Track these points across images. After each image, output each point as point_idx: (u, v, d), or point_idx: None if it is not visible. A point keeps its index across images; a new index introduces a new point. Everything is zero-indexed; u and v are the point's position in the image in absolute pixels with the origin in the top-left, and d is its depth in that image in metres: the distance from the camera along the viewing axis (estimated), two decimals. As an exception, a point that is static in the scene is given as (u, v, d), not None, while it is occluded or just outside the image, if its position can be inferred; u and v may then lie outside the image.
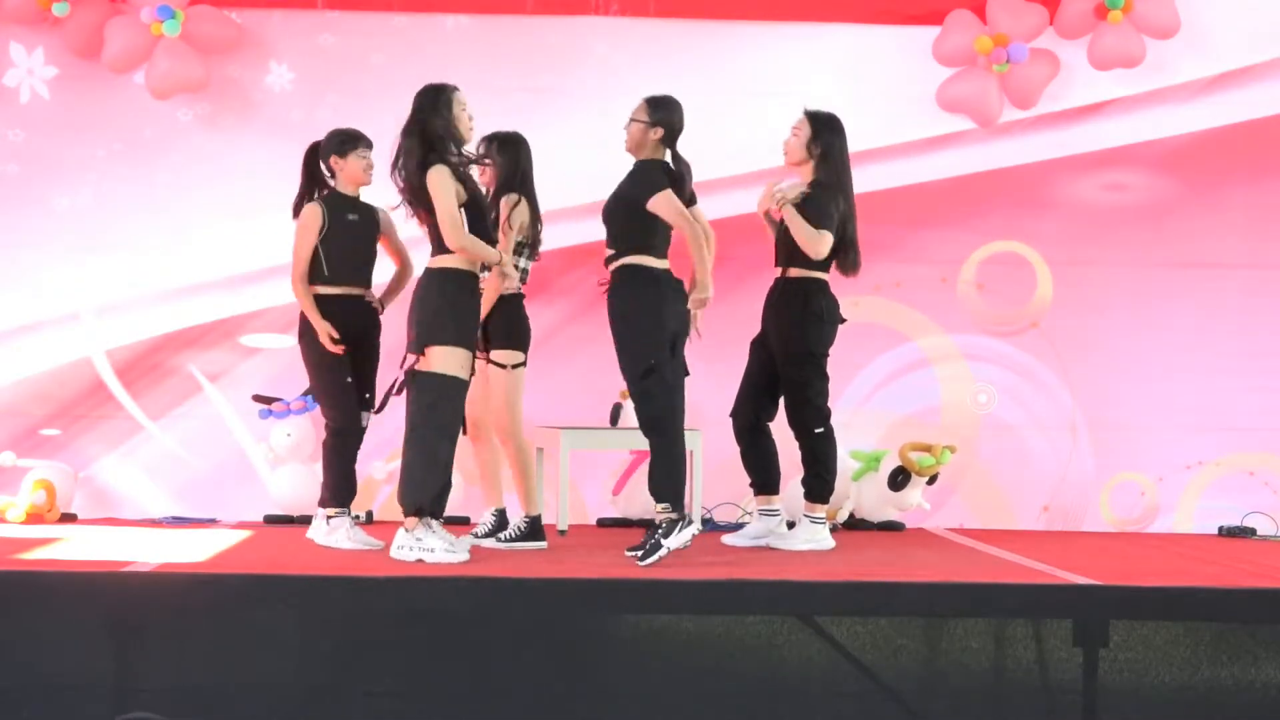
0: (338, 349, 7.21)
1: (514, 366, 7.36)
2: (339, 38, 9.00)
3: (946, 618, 6.00)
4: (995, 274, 9.11)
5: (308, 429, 8.61)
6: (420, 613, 5.96)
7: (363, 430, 7.34)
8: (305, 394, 8.41)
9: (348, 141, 7.34)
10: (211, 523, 8.51)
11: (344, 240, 7.31)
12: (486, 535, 7.46)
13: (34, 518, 8.32)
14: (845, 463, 8.60)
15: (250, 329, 8.95)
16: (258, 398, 8.55)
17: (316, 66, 8.94)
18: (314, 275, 7.28)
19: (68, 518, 8.53)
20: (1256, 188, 9.10)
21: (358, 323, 7.34)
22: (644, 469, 8.74)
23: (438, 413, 6.62)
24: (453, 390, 6.66)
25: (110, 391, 8.91)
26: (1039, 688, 5.98)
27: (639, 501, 8.75)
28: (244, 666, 5.94)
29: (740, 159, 8.89)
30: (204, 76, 8.79)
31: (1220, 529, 8.84)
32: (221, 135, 8.98)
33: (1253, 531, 8.77)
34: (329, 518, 7.24)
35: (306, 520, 8.10)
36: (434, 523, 6.64)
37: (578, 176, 8.20)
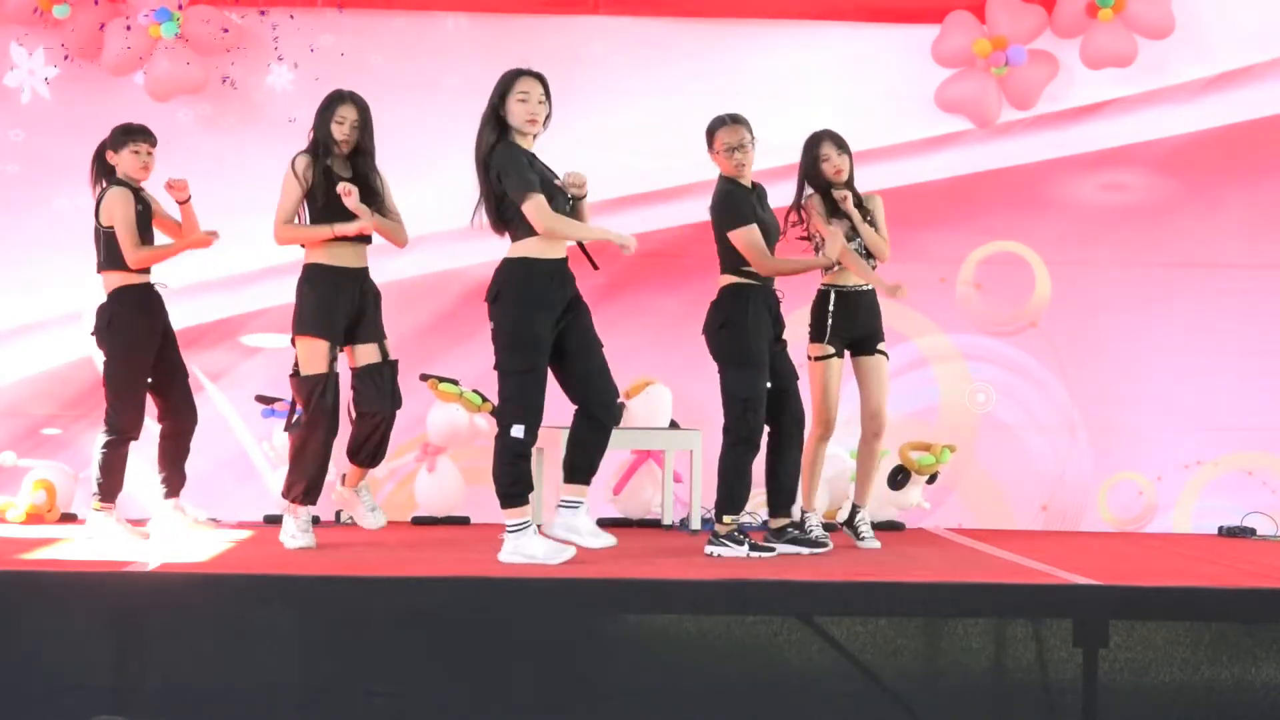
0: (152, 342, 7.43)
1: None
2: (339, 38, 9.00)
3: (946, 618, 6.00)
4: (994, 274, 9.12)
5: (309, 429, 8.61)
6: (420, 612, 5.95)
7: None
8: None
9: (122, 135, 7.50)
10: (212, 523, 8.49)
11: (141, 229, 7.50)
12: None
13: (34, 518, 8.33)
14: (845, 462, 8.60)
15: (250, 329, 8.95)
16: (261, 398, 8.54)
17: (316, 66, 8.93)
18: (115, 263, 7.46)
19: (68, 518, 8.53)
20: (1255, 188, 9.10)
21: (163, 312, 7.58)
22: (645, 469, 8.79)
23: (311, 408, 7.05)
24: (309, 386, 7.03)
25: (111, 391, 8.90)
26: (1039, 688, 5.98)
27: (639, 501, 8.77)
28: (244, 666, 5.93)
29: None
30: (203, 78, 8.79)
31: (1220, 529, 8.84)
32: (222, 135, 8.98)
33: (1253, 531, 8.77)
34: (98, 509, 7.47)
35: (306, 520, 8.13)
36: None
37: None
